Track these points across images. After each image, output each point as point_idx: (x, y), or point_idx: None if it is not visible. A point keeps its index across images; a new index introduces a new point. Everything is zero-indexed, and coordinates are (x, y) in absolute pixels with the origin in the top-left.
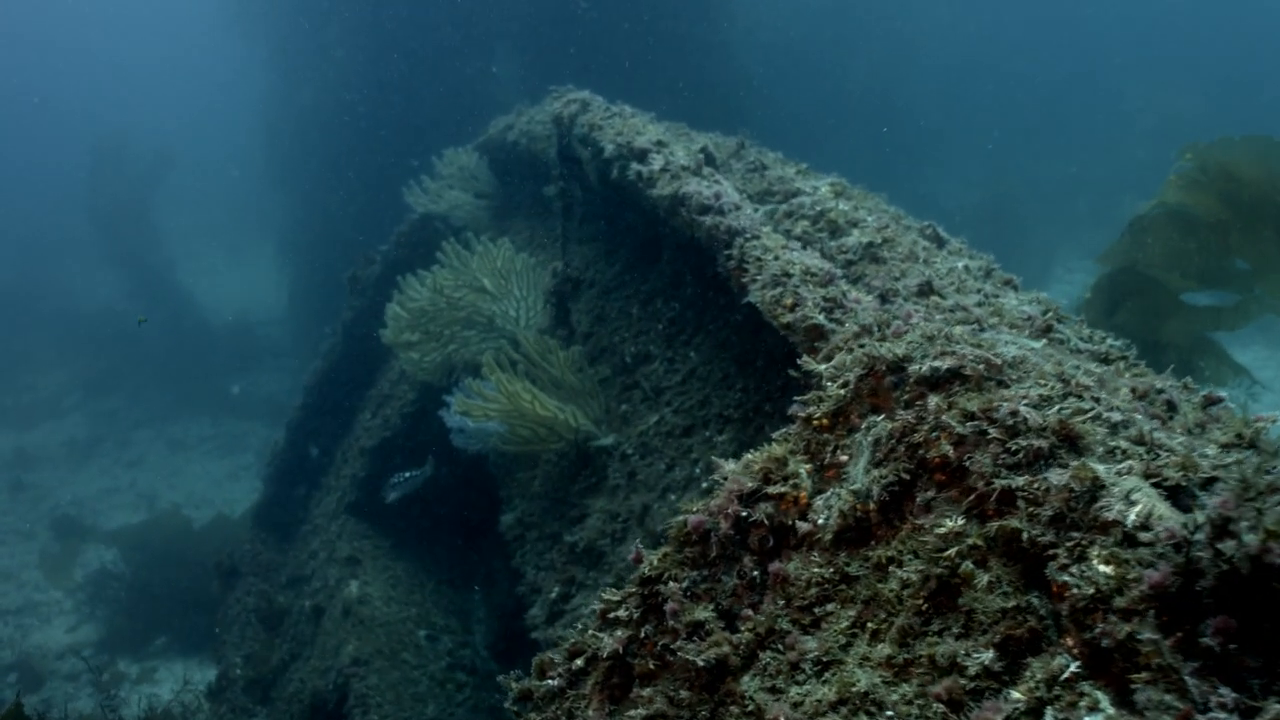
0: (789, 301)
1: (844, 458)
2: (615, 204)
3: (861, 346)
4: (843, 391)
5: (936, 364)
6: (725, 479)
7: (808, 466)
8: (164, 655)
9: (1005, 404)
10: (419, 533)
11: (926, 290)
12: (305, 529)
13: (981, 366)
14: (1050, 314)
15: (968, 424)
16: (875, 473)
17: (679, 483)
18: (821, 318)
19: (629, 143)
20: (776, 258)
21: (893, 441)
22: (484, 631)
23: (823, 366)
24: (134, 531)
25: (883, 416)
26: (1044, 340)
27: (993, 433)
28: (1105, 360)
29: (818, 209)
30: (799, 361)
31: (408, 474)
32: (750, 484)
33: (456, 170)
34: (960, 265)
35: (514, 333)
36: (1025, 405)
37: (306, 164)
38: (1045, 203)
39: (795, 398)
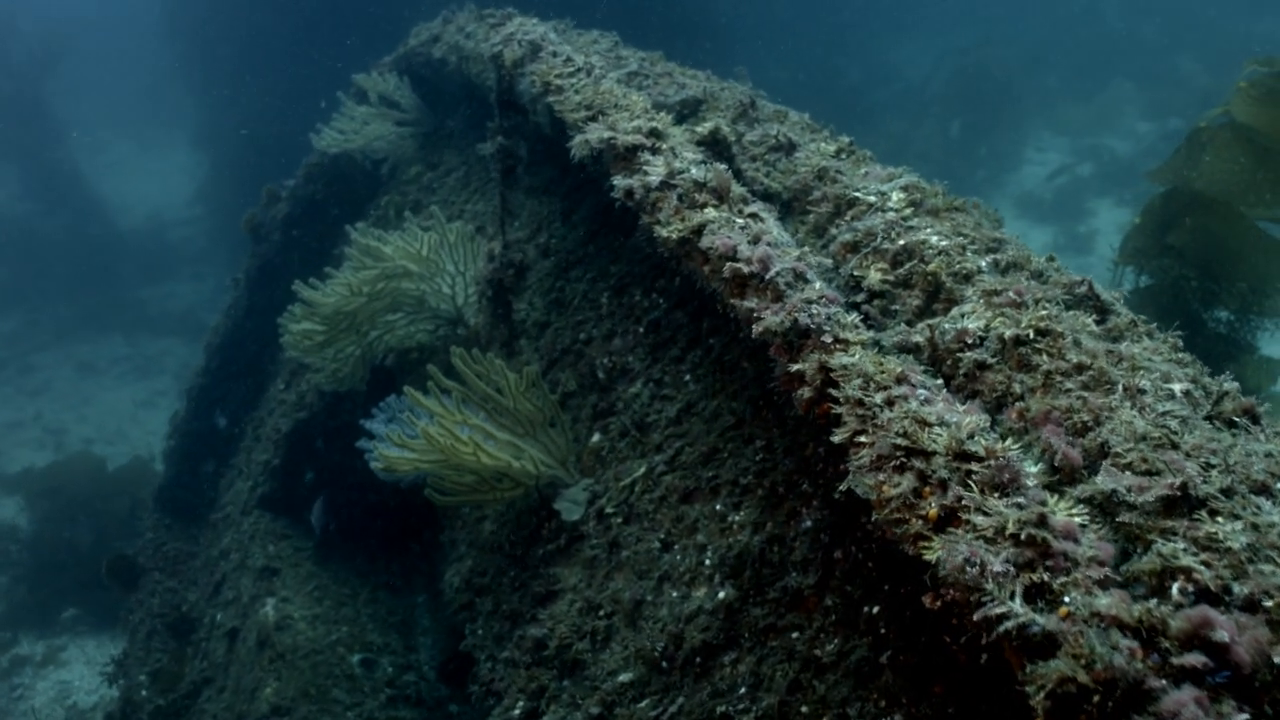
0: (932, 511)
1: None
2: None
3: None
4: None
5: None
6: None
7: None
8: (73, 630)
9: None
10: (347, 526)
11: (1179, 503)
12: (216, 516)
13: None
14: None
15: None
16: None
17: (681, 573)
18: (1019, 606)
19: (608, 139)
20: (889, 401)
21: None
22: (430, 646)
23: None
24: (39, 476)
25: None
26: None
27: None
28: None
29: (899, 240)
30: None
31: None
32: None
33: (364, 112)
34: (1177, 389)
35: (450, 312)
36: None
37: (216, 50)
38: (1013, 76)
39: None
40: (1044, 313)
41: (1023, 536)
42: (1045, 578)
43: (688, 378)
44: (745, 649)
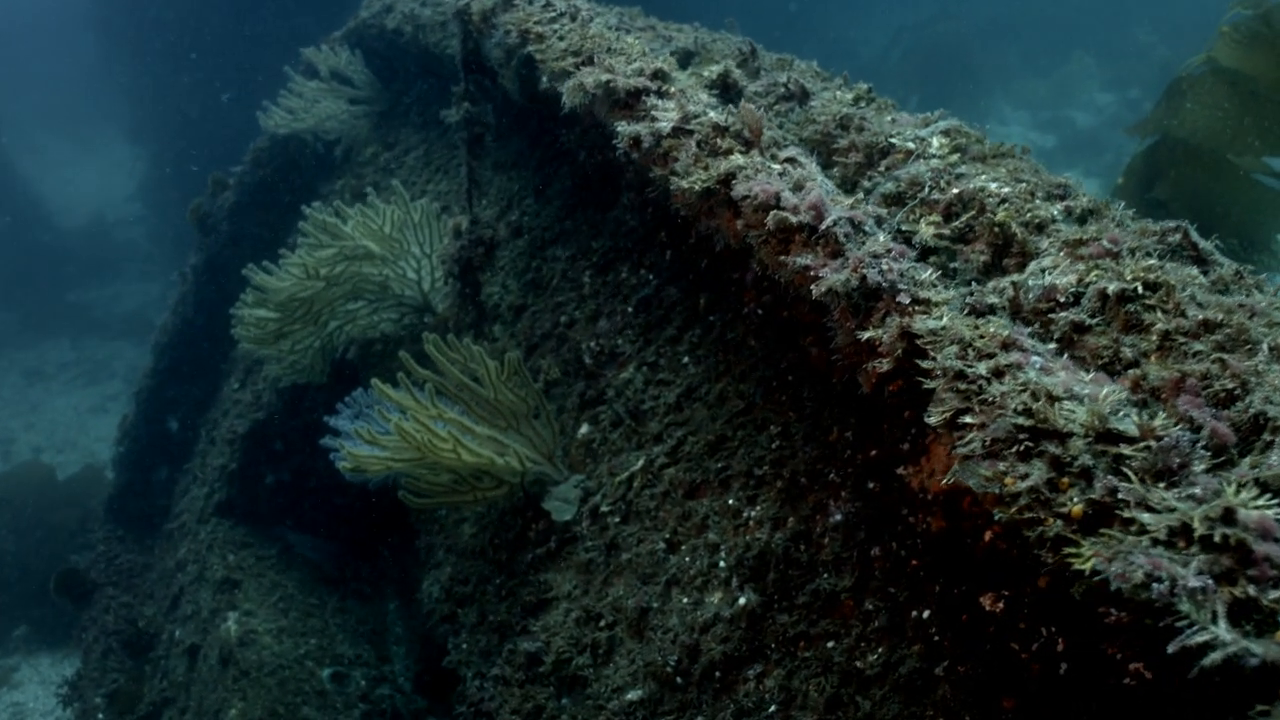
0: (1076, 508)
1: None
2: (546, 117)
3: None
4: None
5: None
6: None
7: None
8: (25, 648)
9: None
10: (311, 532)
11: None
12: (171, 525)
13: None
14: None
15: None
16: None
17: (691, 576)
18: (1225, 630)
19: (606, 82)
20: (997, 371)
21: None
22: (404, 655)
23: None
24: None
25: None
26: None
27: None
28: None
29: (951, 189)
30: None
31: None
32: None
33: (315, 88)
34: None
35: (416, 298)
36: None
37: (150, 40)
38: (971, 50)
39: None
40: (1150, 262)
41: (1215, 538)
42: (1251, 591)
43: (686, 359)
44: (773, 661)
